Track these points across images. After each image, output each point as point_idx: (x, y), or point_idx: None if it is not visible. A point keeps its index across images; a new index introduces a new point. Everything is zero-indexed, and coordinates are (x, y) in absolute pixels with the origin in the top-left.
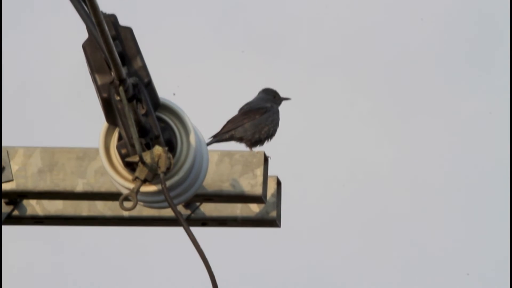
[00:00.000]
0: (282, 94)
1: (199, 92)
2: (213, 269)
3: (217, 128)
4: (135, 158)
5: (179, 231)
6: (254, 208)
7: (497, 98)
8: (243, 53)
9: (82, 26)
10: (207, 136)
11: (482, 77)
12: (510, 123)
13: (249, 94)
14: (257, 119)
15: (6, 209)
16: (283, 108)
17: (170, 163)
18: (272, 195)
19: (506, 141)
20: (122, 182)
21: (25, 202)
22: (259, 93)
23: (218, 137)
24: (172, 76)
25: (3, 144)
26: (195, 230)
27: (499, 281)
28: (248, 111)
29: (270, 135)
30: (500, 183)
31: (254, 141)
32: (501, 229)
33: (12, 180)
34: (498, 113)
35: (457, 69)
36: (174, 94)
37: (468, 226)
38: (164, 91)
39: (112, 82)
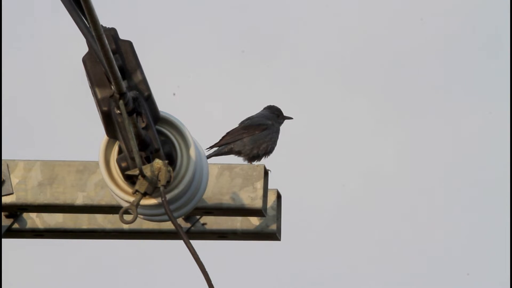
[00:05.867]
0: (285, 113)
1: (199, 92)
2: (213, 282)
3: (217, 127)
4: (135, 172)
5: (179, 244)
6: (254, 221)
7: (497, 98)
8: (243, 53)
9: (83, 40)
10: (206, 143)
11: (482, 77)
12: (510, 123)
13: (249, 94)
14: (256, 135)
15: (6, 222)
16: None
17: (170, 176)
18: (272, 208)
19: (506, 141)
20: (122, 195)
21: (25, 215)
22: (263, 109)
23: (216, 149)
24: (172, 76)
25: (3, 157)
26: (195, 243)
27: (499, 281)
28: (248, 126)
29: (268, 152)
30: (500, 183)
31: (252, 156)
32: (501, 229)
33: (12, 193)
34: (498, 113)
35: (457, 69)
36: (174, 94)
37: (468, 226)
38: (164, 91)
39: (112, 96)
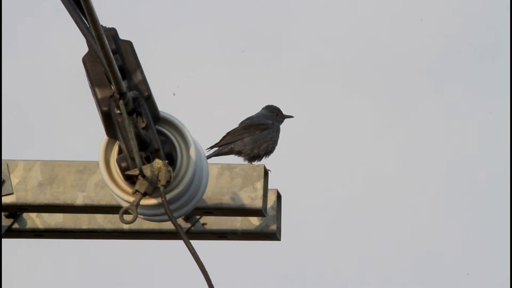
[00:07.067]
0: (285, 112)
1: (199, 92)
2: (213, 282)
3: (217, 127)
4: (135, 172)
5: (179, 244)
6: (254, 221)
7: (497, 98)
8: (243, 53)
9: (83, 40)
10: (206, 143)
11: (482, 77)
12: (510, 123)
13: (249, 94)
14: (257, 135)
15: (6, 222)
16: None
17: (170, 176)
18: (272, 208)
19: (506, 141)
20: (122, 195)
21: (25, 215)
22: (262, 109)
23: (217, 149)
24: (172, 76)
25: (3, 157)
26: (195, 243)
27: (499, 281)
28: (248, 125)
29: (268, 151)
30: (500, 183)
31: (252, 156)
32: (501, 229)
33: (12, 193)
34: (498, 113)
35: (457, 69)
36: (174, 94)
37: (468, 226)
38: (164, 91)
39: (112, 96)
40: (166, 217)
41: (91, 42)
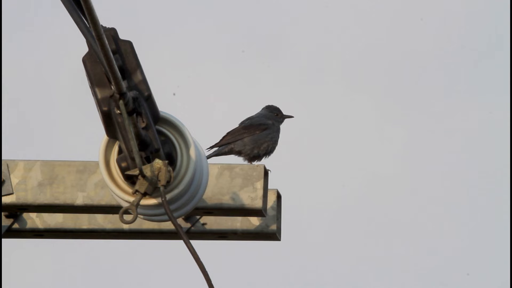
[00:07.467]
0: (285, 112)
1: (199, 92)
2: (213, 282)
3: (217, 127)
4: (135, 172)
5: (179, 244)
6: (254, 221)
7: (497, 98)
8: (243, 53)
9: (83, 40)
10: (206, 143)
11: (482, 77)
12: (510, 123)
13: (249, 94)
14: (257, 135)
15: (6, 222)
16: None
17: (170, 177)
18: (272, 208)
19: (506, 141)
20: (122, 195)
21: (25, 215)
22: (262, 109)
23: (217, 149)
24: (172, 76)
25: (3, 157)
26: (195, 243)
27: (499, 281)
28: (249, 125)
29: (269, 151)
30: (500, 183)
31: (252, 156)
32: (501, 229)
33: (12, 193)
34: (498, 113)
35: (457, 69)
36: (174, 94)
37: (468, 226)
38: (164, 91)
39: (112, 96)
40: (166, 217)
41: (91, 42)
